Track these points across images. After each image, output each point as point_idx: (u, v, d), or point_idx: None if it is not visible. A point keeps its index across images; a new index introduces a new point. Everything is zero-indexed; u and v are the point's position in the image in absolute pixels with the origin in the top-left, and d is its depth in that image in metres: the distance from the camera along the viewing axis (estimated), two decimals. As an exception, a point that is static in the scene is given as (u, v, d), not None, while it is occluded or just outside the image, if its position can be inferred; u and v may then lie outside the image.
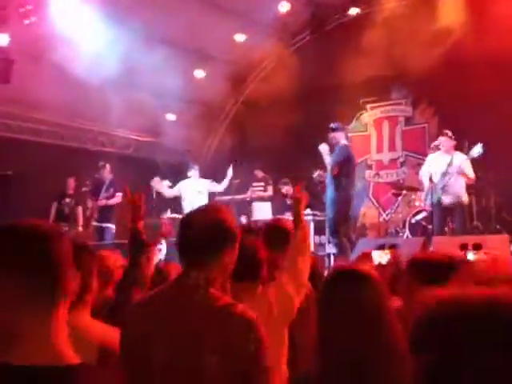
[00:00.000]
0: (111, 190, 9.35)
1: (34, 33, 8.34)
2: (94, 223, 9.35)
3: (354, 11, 11.17)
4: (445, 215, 7.86)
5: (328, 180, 7.87)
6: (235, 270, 2.14)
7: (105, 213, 9.33)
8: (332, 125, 8.09)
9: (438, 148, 8.14)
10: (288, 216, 9.46)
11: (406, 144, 11.09)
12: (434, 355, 0.88)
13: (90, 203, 9.38)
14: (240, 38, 10.86)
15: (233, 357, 1.85)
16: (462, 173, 7.73)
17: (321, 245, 8.79)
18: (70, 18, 8.53)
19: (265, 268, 2.67)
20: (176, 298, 1.99)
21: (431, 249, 6.11)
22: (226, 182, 9.84)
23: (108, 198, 9.36)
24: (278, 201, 10.15)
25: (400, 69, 10.16)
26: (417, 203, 8.81)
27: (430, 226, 8.04)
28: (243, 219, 9.81)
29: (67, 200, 9.40)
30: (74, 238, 4.26)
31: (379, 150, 11.43)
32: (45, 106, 9.88)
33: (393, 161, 11.23)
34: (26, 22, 8.16)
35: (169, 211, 9.55)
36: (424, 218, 8.51)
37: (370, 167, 11.41)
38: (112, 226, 9.37)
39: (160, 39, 10.08)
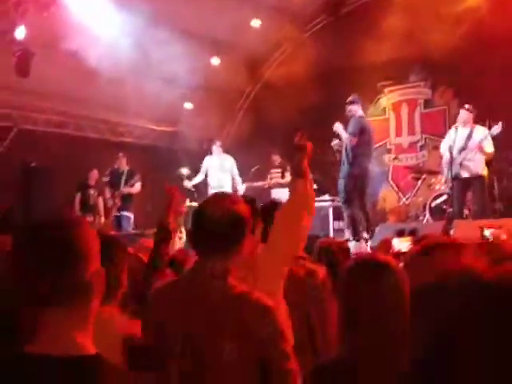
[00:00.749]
0: (131, 180, 9.46)
1: (51, 24, 8.40)
2: (124, 213, 9.48)
3: (371, -7, 11.02)
4: (464, 189, 7.76)
5: (343, 156, 7.86)
6: None
7: (123, 202, 9.44)
8: (349, 98, 8.12)
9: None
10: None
11: (426, 127, 10.98)
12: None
13: (108, 193, 9.49)
14: (256, 23, 10.79)
15: (250, 343, 1.88)
16: (481, 148, 7.63)
17: (339, 230, 8.78)
18: (87, 9, 8.55)
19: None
20: (193, 287, 2.02)
21: (452, 232, 6.09)
22: (243, 187, 9.98)
23: (130, 187, 9.48)
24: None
25: (418, 51, 10.05)
26: (437, 186, 8.74)
27: (450, 210, 7.96)
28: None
29: (91, 191, 9.53)
30: (102, 231, 4.32)
31: (398, 133, 11.33)
32: (64, 98, 9.98)
33: (412, 144, 11.13)
34: (45, 14, 8.20)
35: (187, 200, 9.61)
36: (444, 202, 8.45)
37: (389, 151, 11.32)
38: (129, 215, 9.48)
39: (175, 27, 10.06)
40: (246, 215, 2.10)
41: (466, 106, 8.02)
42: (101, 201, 9.59)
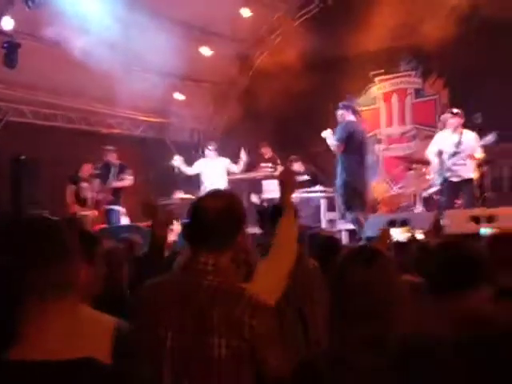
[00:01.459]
0: (121, 174, 9.39)
1: (37, 16, 8.31)
2: (114, 207, 9.42)
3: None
4: (454, 192, 7.79)
5: (338, 163, 7.81)
6: None
7: (113, 196, 9.38)
8: (341, 103, 8.07)
9: (444, 125, 8.03)
10: (297, 193, 9.51)
11: (417, 117, 10.98)
12: None
13: (98, 187, 9.41)
14: (245, 12, 10.72)
15: (241, 341, 1.87)
16: (472, 157, 7.63)
17: (332, 221, 8.80)
18: (76, 1, 8.46)
19: None
20: (184, 282, 2.01)
21: (443, 222, 6.09)
22: (241, 165, 9.86)
23: (120, 181, 9.41)
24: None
25: (409, 40, 10.03)
26: (428, 176, 8.75)
27: (442, 199, 7.99)
28: (254, 197, 9.81)
29: (84, 184, 9.42)
30: (82, 227, 4.31)
31: (389, 123, 11.33)
32: (53, 90, 9.90)
33: (403, 134, 11.13)
34: (31, 4, 8.10)
35: (182, 192, 9.57)
36: (436, 192, 8.46)
37: (379, 141, 11.33)
38: (118, 208, 9.43)
39: (164, 17, 9.99)
40: (241, 211, 2.12)
41: (454, 110, 7.96)
42: (93, 194, 9.52)
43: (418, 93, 11.02)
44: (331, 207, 9.03)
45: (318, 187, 9.38)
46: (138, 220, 7.96)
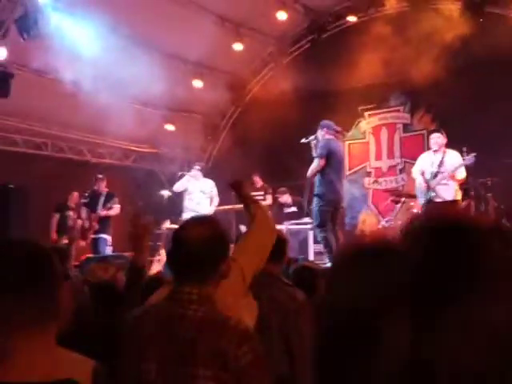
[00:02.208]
0: (109, 202, 9.37)
1: (32, 46, 8.39)
2: (102, 235, 9.38)
3: (351, 19, 11.20)
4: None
5: (316, 180, 7.70)
6: None
7: (100, 224, 9.35)
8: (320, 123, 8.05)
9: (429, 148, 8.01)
10: (285, 225, 9.53)
11: (405, 151, 11.10)
12: None
13: (85, 215, 9.40)
14: (238, 47, 10.89)
15: (227, 371, 1.83)
16: (453, 177, 7.59)
17: (319, 253, 8.78)
18: (68, 31, 8.57)
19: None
20: (169, 313, 1.99)
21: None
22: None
23: (107, 210, 9.39)
24: (276, 210, 10.16)
25: (398, 76, 10.21)
26: (415, 210, 8.80)
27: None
28: (244, 228, 9.80)
29: (70, 213, 9.45)
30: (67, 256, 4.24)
31: (378, 157, 11.44)
32: (44, 119, 9.94)
33: (392, 168, 11.24)
34: (26, 36, 8.19)
35: (168, 222, 9.57)
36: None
37: (368, 174, 11.42)
38: (106, 237, 9.39)
39: (157, 50, 10.13)
40: (224, 239, 2.09)
41: (438, 129, 8.06)
42: (79, 223, 9.51)
43: (406, 127, 11.18)
44: (320, 240, 9.03)
45: (306, 219, 9.41)
46: (123, 250, 7.92)
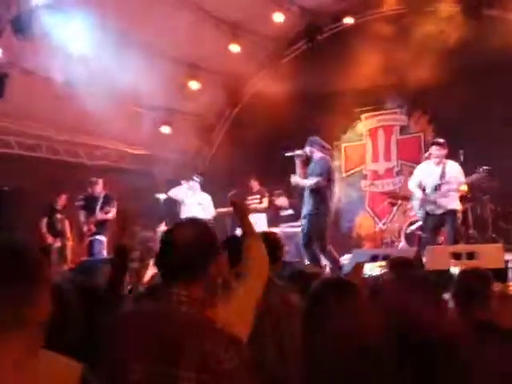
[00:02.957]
0: (107, 206, 9.32)
1: (27, 46, 8.35)
2: (98, 237, 9.33)
3: (348, 21, 11.18)
4: (437, 225, 7.60)
5: (306, 196, 7.62)
6: None
7: (97, 227, 9.28)
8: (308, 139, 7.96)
9: (428, 157, 7.87)
10: (281, 227, 9.50)
11: (402, 153, 11.09)
12: None
13: (83, 218, 9.37)
14: (234, 48, 10.86)
15: (211, 376, 1.79)
16: (455, 187, 7.46)
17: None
18: (62, 32, 8.52)
19: None
20: (156, 313, 1.96)
21: (424, 258, 6.09)
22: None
23: (105, 213, 9.34)
24: (272, 212, 10.12)
25: (395, 78, 10.21)
26: (412, 213, 8.78)
27: (424, 235, 7.93)
28: (240, 232, 9.74)
29: (58, 216, 9.42)
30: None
31: (375, 159, 11.42)
32: (38, 120, 9.88)
33: (388, 170, 11.23)
34: (20, 36, 8.14)
35: (163, 224, 9.51)
36: (419, 228, 8.48)
37: (365, 177, 11.40)
38: (101, 238, 9.33)
39: (153, 51, 10.09)
40: (212, 241, 2.07)
41: (439, 140, 7.78)
42: (67, 225, 9.49)
43: (403, 130, 11.17)
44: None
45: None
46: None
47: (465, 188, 7.70)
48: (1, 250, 1.25)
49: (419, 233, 8.42)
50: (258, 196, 10.23)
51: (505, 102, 9.10)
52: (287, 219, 9.74)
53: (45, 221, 9.46)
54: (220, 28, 10.63)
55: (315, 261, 7.31)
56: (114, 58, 8.75)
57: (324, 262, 8.27)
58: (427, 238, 7.49)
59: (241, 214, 2.76)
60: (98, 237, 9.28)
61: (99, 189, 9.51)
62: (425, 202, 7.55)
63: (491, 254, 5.61)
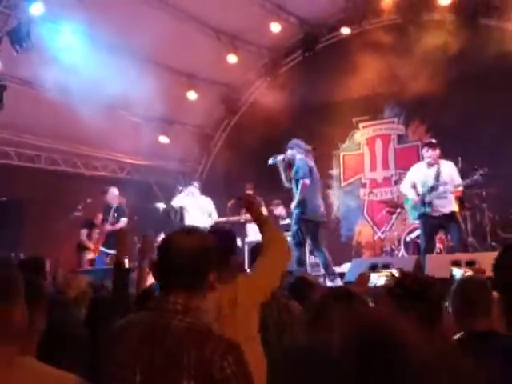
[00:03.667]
0: (115, 215, 9.28)
1: (25, 58, 8.38)
2: (103, 249, 9.28)
3: (345, 31, 11.24)
4: (435, 228, 7.47)
5: (295, 199, 7.68)
6: None
7: (110, 239, 9.02)
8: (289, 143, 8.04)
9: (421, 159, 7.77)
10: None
11: (400, 162, 11.10)
12: None
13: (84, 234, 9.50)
14: (232, 58, 10.90)
15: (210, 379, 1.80)
16: (451, 189, 7.32)
17: (315, 265, 8.74)
18: (61, 44, 8.56)
19: None
20: (153, 322, 1.95)
21: (425, 266, 6.10)
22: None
23: (112, 224, 9.28)
24: (271, 222, 10.11)
25: (392, 87, 10.25)
26: (411, 221, 8.79)
27: (421, 240, 7.85)
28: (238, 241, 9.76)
29: (96, 231, 9.52)
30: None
31: (373, 168, 11.44)
32: (37, 132, 9.89)
33: (386, 179, 11.24)
34: (19, 48, 8.16)
35: (163, 234, 9.49)
36: (418, 236, 8.48)
37: (363, 186, 11.41)
38: (105, 251, 9.25)
39: (152, 62, 10.13)
40: (212, 249, 2.05)
41: (433, 140, 7.73)
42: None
43: (400, 139, 11.19)
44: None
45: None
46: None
47: (461, 188, 7.57)
48: None
49: (418, 241, 8.41)
50: None
51: (502, 110, 9.14)
52: (286, 229, 9.73)
53: (85, 233, 9.60)
54: (218, 38, 10.68)
55: (301, 264, 7.37)
56: (114, 70, 8.77)
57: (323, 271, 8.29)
58: (424, 242, 7.35)
59: (251, 209, 2.96)
60: (103, 249, 9.23)
61: (111, 198, 9.43)
62: (419, 203, 7.41)
63: (491, 262, 5.58)
